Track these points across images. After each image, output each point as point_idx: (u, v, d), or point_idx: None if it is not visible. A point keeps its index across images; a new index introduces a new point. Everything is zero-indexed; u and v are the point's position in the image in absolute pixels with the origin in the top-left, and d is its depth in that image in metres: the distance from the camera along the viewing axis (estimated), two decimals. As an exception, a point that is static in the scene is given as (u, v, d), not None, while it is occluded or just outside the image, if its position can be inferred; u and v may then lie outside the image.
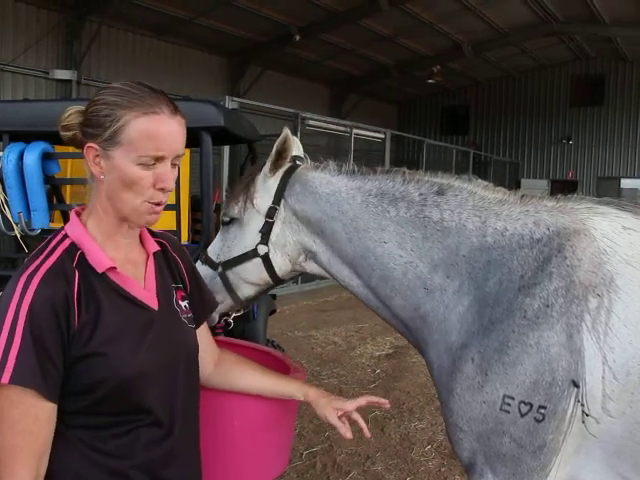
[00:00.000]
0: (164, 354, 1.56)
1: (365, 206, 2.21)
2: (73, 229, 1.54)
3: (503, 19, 20.58)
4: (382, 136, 16.10)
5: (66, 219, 4.39)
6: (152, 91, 1.52)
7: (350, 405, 2.00)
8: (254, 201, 2.32)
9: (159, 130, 1.48)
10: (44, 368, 1.37)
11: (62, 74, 15.75)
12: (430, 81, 24.26)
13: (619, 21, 20.41)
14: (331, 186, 2.27)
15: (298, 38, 18.91)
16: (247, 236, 2.32)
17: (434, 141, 22.61)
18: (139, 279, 1.60)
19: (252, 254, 2.31)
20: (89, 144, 1.50)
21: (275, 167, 2.32)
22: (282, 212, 2.30)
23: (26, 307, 1.37)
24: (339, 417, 1.99)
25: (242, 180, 2.44)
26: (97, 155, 1.50)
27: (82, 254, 1.50)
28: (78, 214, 1.58)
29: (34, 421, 1.38)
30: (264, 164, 2.35)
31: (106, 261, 1.51)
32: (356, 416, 2.01)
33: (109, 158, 1.49)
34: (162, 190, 1.52)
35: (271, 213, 2.29)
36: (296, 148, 2.52)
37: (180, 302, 1.68)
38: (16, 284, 1.41)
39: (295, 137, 2.61)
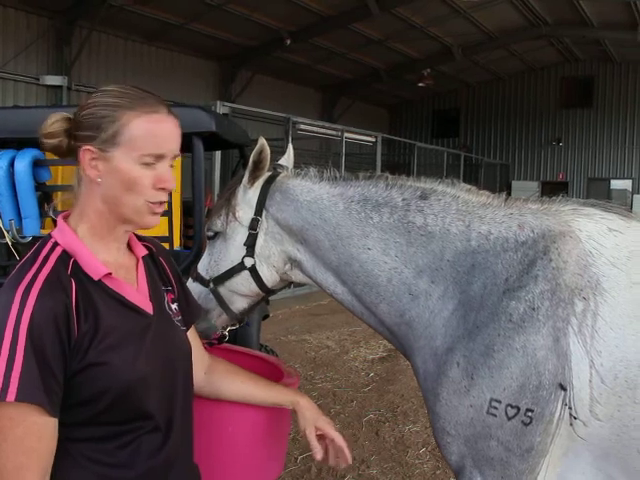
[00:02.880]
0: (162, 358, 1.55)
1: (348, 213, 2.19)
2: (63, 236, 1.49)
3: (493, 22, 20.68)
4: (373, 139, 16.10)
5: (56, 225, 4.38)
6: (150, 93, 1.54)
7: (332, 431, 1.96)
8: (236, 214, 2.30)
9: (160, 128, 1.50)
10: (47, 383, 1.33)
11: (52, 80, 15.71)
12: (421, 84, 24.32)
13: (607, 24, 20.54)
14: (312, 193, 2.25)
15: (289, 42, 18.93)
16: (232, 250, 2.30)
17: (425, 144, 22.66)
18: (132, 283, 1.58)
19: (239, 267, 2.29)
20: (85, 147, 1.47)
21: (253, 178, 2.29)
22: (264, 223, 2.28)
23: (27, 320, 1.33)
24: (319, 436, 1.96)
25: (223, 193, 2.42)
26: (94, 158, 1.47)
27: (75, 262, 1.46)
28: (65, 219, 1.54)
29: (38, 438, 1.35)
30: (243, 176, 2.33)
31: (102, 268, 1.48)
32: (340, 442, 1.97)
33: (108, 160, 1.47)
34: (163, 190, 1.52)
35: (254, 224, 2.27)
36: (287, 155, 2.51)
37: (171, 305, 1.67)
38: (13, 296, 1.35)
39: (290, 144, 2.60)
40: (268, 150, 2.25)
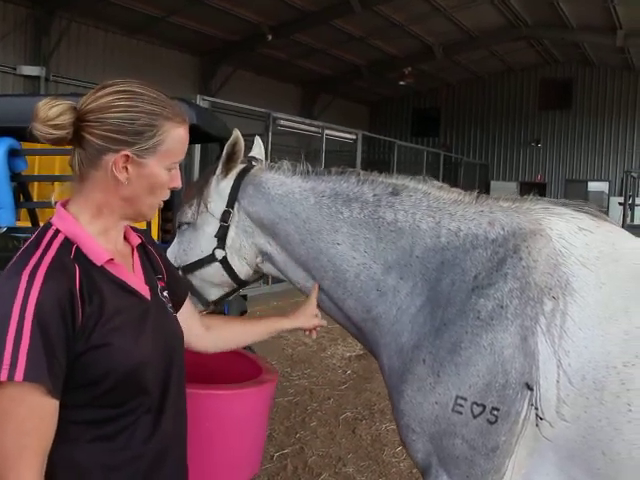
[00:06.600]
0: (160, 344, 1.59)
1: (318, 207, 2.19)
2: (64, 223, 1.52)
3: (473, 22, 20.78)
4: (353, 137, 16.12)
5: (33, 217, 4.29)
6: (171, 98, 1.60)
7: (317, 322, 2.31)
8: (208, 205, 2.29)
9: (187, 137, 1.61)
10: (51, 365, 1.37)
11: (30, 70, 15.51)
12: (401, 83, 24.36)
13: (586, 27, 20.75)
14: (284, 187, 2.25)
15: (270, 38, 18.87)
16: (203, 241, 2.29)
17: (405, 142, 22.71)
18: (129, 270, 1.63)
19: (210, 259, 2.28)
20: (123, 152, 1.50)
21: (226, 170, 2.29)
22: (236, 215, 2.27)
23: (33, 303, 1.36)
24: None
25: (196, 184, 2.42)
26: (126, 162, 1.52)
27: (78, 248, 1.50)
28: (64, 207, 1.56)
29: (40, 419, 1.38)
30: (216, 167, 2.32)
31: (104, 254, 1.52)
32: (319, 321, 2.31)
33: (141, 165, 1.53)
34: (173, 188, 1.63)
35: (225, 217, 2.26)
36: (258, 148, 2.49)
37: (163, 292, 1.72)
38: (19, 280, 1.38)
39: (258, 137, 2.59)
40: (242, 142, 2.25)
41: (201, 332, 1.98)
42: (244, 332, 2.16)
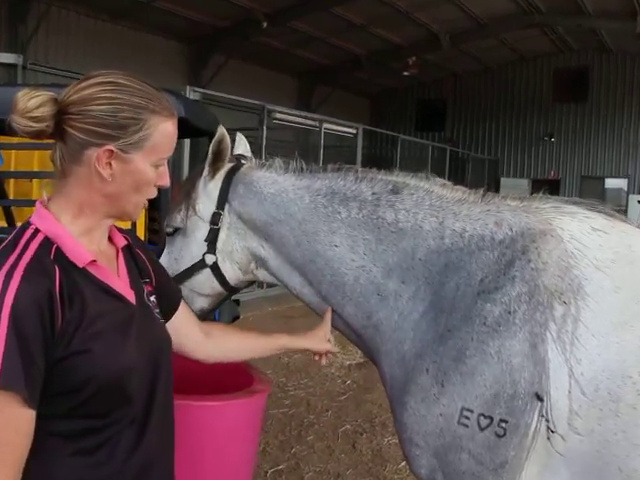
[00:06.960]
0: (146, 350, 1.60)
1: (314, 207, 2.20)
2: (44, 223, 1.52)
3: (482, 9, 20.80)
4: (354, 131, 16.12)
5: (8, 216, 4.30)
6: (159, 90, 1.60)
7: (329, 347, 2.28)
8: (196, 208, 2.29)
9: (175, 132, 1.61)
10: (28, 372, 1.36)
11: (6, 58, 15.46)
12: (405, 73, 24.37)
13: (604, 13, 20.74)
14: (277, 186, 2.25)
15: (265, 25, 18.87)
16: (193, 246, 2.30)
17: (409, 137, 22.71)
18: (113, 272, 1.64)
19: (200, 265, 2.29)
20: (107, 147, 1.50)
21: (214, 169, 2.29)
22: (227, 217, 2.28)
23: (9, 306, 1.35)
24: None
25: (183, 187, 2.42)
26: (110, 157, 1.52)
27: (58, 248, 1.49)
28: (45, 206, 1.56)
29: (15, 431, 1.37)
30: (203, 167, 2.32)
31: (86, 255, 1.52)
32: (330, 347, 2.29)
33: (125, 161, 1.53)
34: (161, 187, 1.63)
35: (215, 219, 2.27)
36: (243, 146, 2.49)
37: (149, 297, 1.72)
38: None
39: (240, 133, 2.59)
40: (228, 139, 2.26)
41: (200, 339, 1.98)
42: (246, 345, 2.14)
